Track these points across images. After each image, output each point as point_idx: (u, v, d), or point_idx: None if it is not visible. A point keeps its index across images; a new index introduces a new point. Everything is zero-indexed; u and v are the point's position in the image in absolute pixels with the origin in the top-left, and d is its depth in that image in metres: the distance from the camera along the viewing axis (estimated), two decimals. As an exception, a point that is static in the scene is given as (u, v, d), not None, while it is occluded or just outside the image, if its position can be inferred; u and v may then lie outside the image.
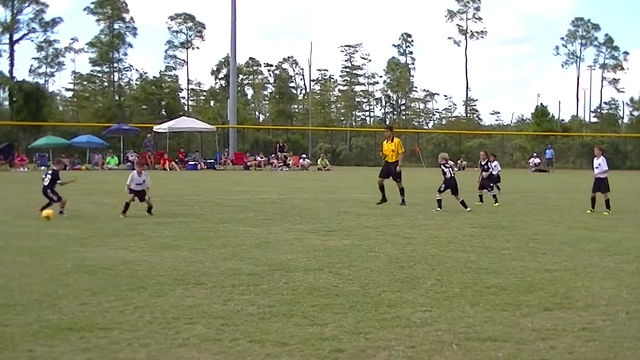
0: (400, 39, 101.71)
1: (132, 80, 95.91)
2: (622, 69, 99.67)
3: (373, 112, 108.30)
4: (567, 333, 6.44)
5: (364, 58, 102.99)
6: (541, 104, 78.02)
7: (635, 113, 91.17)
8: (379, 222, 15.72)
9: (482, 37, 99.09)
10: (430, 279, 8.90)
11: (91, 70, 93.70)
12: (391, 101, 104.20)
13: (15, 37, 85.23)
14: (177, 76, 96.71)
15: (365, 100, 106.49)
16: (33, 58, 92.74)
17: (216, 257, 10.40)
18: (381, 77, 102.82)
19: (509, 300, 7.71)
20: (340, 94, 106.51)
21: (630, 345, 6.07)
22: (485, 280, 8.85)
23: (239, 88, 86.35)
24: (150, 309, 7.14)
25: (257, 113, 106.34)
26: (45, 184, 16.38)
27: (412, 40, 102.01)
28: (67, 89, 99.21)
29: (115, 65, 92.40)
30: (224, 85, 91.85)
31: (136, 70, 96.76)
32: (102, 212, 17.36)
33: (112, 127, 57.19)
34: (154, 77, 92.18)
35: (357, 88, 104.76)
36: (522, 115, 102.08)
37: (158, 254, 10.71)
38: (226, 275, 8.99)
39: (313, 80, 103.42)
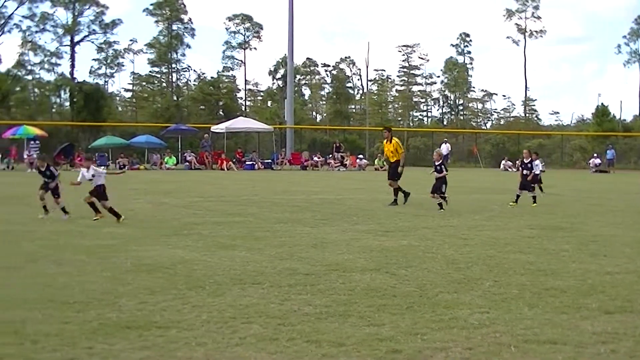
0: (458, 38, 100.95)
1: (190, 80, 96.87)
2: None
3: (430, 112, 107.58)
4: (628, 337, 6.31)
5: (421, 58, 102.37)
6: (602, 103, 76.42)
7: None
8: (436, 222, 15.61)
9: (541, 36, 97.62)
10: (487, 280, 8.80)
11: (150, 71, 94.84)
12: (449, 101, 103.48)
13: (76, 39, 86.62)
14: (234, 77, 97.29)
15: (423, 100, 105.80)
16: (93, 59, 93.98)
17: (273, 257, 10.42)
18: (439, 77, 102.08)
19: (568, 303, 7.58)
20: (397, 94, 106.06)
21: (694, 350, 5.94)
22: (544, 282, 8.72)
23: (296, 88, 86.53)
24: (207, 308, 7.19)
25: (314, 113, 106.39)
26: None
27: (470, 40, 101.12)
28: (126, 90, 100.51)
29: (173, 66, 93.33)
30: (281, 85, 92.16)
31: (194, 70, 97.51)
32: (160, 211, 17.52)
33: (170, 128, 57.75)
34: (211, 77, 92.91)
35: (415, 88, 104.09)
36: (582, 115, 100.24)
37: (215, 253, 10.78)
38: (283, 275, 9.00)
39: (370, 81, 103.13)
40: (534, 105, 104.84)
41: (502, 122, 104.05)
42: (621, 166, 62.67)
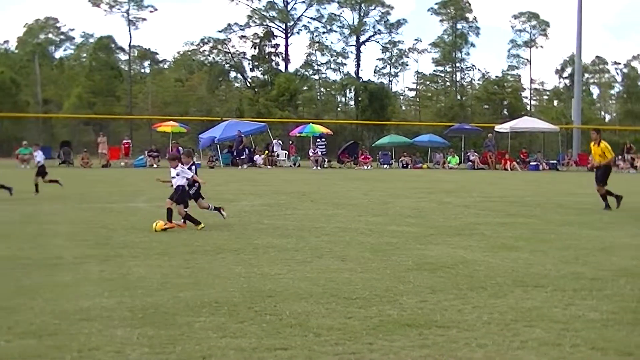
0: None
1: (474, 79, 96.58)
2: None
3: None
4: None
5: None
6: None
7: None
8: None
9: None
10: None
11: (434, 70, 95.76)
12: None
13: (362, 39, 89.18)
14: (519, 75, 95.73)
15: None
16: (378, 59, 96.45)
17: (557, 260, 10.14)
18: None
19: None
20: None
21: None
22: None
23: (583, 87, 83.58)
24: (488, 309, 7.13)
25: (602, 113, 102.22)
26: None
27: None
28: (410, 89, 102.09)
29: (457, 65, 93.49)
30: (568, 84, 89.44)
31: (478, 69, 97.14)
32: (443, 210, 17.61)
33: (453, 127, 57.89)
34: (496, 76, 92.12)
35: None
36: None
37: (498, 254, 10.66)
38: (567, 278, 8.72)
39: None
40: None
41: None
42: None
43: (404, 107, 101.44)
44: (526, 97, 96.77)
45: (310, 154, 49.13)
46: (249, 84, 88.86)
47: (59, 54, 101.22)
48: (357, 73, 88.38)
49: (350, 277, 8.69)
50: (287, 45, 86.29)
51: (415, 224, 14.57)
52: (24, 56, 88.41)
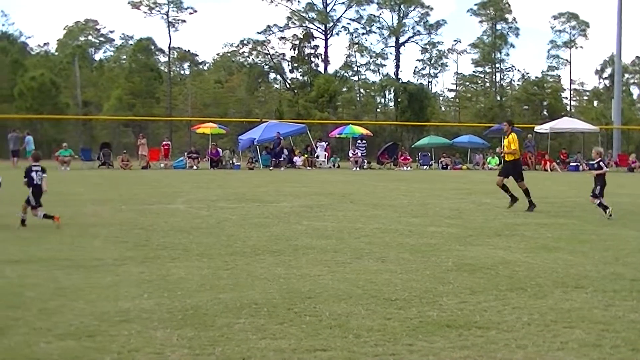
0: None
1: (513, 80, 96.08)
2: None
3: None
4: None
5: None
6: None
7: None
8: None
9: None
10: None
11: (473, 71, 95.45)
12: None
13: (401, 40, 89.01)
14: (559, 76, 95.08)
15: None
16: (417, 60, 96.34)
17: (597, 261, 10.04)
18: None
19: None
20: None
21: None
22: None
23: (624, 88, 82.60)
24: (528, 310, 7.09)
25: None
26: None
27: None
28: (450, 90, 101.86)
29: (497, 65, 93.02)
30: (608, 85, 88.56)
31: (518, 70, 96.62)
32: (482, 211, 17.52)
33: (493, 128, 57.50)
34: (535, 77, 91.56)
35: None
36: None
37: (538, 255, 10.59)
38: (608, 279, 8.64)
39: None
40: None
41: None
42: None
43: (443, 108, 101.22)
44: (566, 98, 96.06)
45: (350, 155, 49.10)
46: (288, 86, 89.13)
47: (98, 56, 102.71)
48: (396, 74, 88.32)
49: (389, 278, 8.68)
50: (326, 47, 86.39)
51: (455, 224, 14.51)
52: (64, 58, 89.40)
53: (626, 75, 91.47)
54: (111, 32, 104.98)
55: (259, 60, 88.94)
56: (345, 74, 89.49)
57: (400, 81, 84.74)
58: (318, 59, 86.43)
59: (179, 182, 29.15)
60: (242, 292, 7.81)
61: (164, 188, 25.14)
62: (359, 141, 50.63)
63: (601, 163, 17.02)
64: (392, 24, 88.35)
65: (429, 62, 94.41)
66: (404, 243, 11.78)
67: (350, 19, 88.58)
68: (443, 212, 16.99)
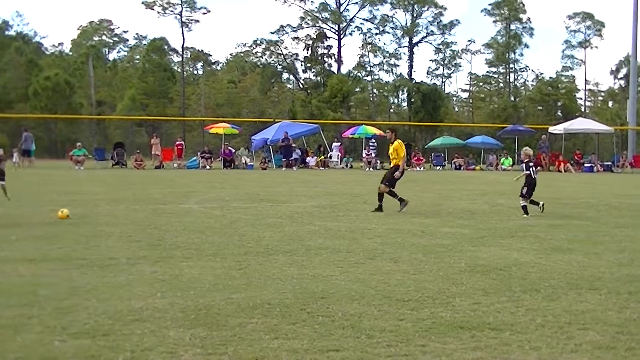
0: None
1: (527, 81, 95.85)
2: None
3: None
4: None
5: None
6: None
7: None
8: None
9: None
10: None
11: (487, 72, 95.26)
12: None
13: (414, 40, 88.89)
14: (574, 76, 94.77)
15: None
16: (430, 60, 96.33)
17: (612, 263, 10.00)
18: None
19: None
20: None
21: None
22: None
23: (638, 88, 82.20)
24: (542, 311, 7.06)
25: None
26: None
27: None
28: (463, 90, 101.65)
29: (511, 66, 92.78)
30: (623, 85, 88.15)
31: (532, 71, 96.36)
32: (496, 212, 17.49)
33: (507, 128, 57.47)
34: (550, 77, 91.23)
35: None
36: None
37: (551, 256, 10.56)
38: (622, 281, 8.60)
39: None
40: None
41: None
42: None
43: (456, 109, 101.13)
44: (580, 98, 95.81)
45: (364, 155, 49.06)
46: (301, 86, 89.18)
47: (112, 55, 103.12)
48: (409, 74, 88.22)
49: (402, 278, 8.67)
50: (339, 47, 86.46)
51: (468, 225, 14.48)
52: (78, 58, 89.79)
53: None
54: (125, 32, 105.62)
55: (272, 60, 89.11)
56: (359, 74, 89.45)
57: (414, 81, 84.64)
58: (331, 59, 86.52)
59: (192, 181, 29.23)
60: (255, 292, 7.81)
61: (177, 188, 25.20)
62: (371, 141, 50.64)
63: (530, 164, 17.15)
64: (406, 24, 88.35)
65: (442, 62, 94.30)
66: (417, 244, 11.76)
67: (364, 19, 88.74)
68: (456, 213, 16.97)
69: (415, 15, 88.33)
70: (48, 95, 70.63)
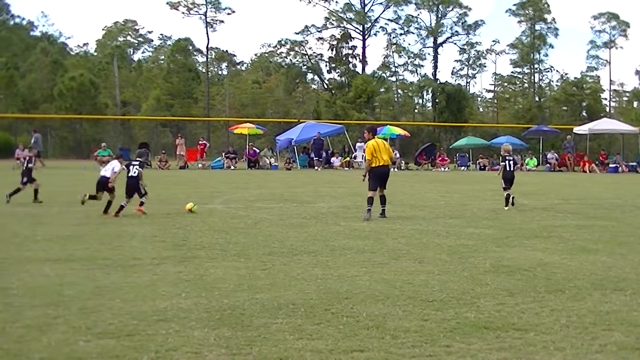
0: None
1: (552, 81, 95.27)
2: None
3: None
4: None
5: None
6: None
7: None
8: None
9: None
10: None
11: (512, 72, 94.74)
12: None
13: (439, 40, 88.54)
14: (599, 77, 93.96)
15: None
16: (455, 60, 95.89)
17: (637, 263, 9.94)
18: None
19: None
20: None
21: None
22: None
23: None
24: (566, 312, 7.04)
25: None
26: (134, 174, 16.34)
27: None
28: (488, 91, 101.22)
29: (535, 66, 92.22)
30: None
31: (557, 71, 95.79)
32: (520, 212, 17.39)
33: (531, 129, 57.16)
34: (575, 78, 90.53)
35: None
36: None
37: (576, 257, 10.51)
38: (648, 283, 8.58)
39: None
40: None
41: None
42: None
43: (481, 109, 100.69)
44: (605, 99, 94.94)
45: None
46: (326, 86, 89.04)
47: (137, 56, 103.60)
48: (434, 75, 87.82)
49: (427, 279, 8.66)
50: (364, 47, 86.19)
51: (493, 226, 14.44)
52: (103, 58, 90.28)
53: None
54: (150, 32, 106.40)
55: (297, 60, 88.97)
56: (383, 75, 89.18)
57: (438, 82, 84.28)
58: (356, 59, 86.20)
59: (216, 182, 29.31)
60: (280, 292, 7.84)
61: (201, 188, 25.29)
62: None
63: (508, 159, 18.45)
64: (430, 24, 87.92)
65: (467, 63, 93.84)
66: (442, 244, 11.75)
67: (388, 20, 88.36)
68: (481, 214, 16.92)
69: (439, 15, 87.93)
70: (73, 96, 70.93)
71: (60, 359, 5.58)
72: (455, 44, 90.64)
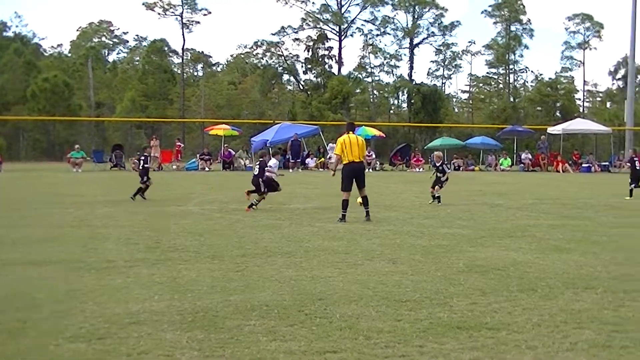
0: None
1: (527, 82, 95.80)
2: None
3: None
4: None
5: None
6: None
7: None
8: None
9: None
10: None
11: (487, 73, 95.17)
12: None
13: (415, 41, 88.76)
14: (573, 77, 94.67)
15: None
16: (431, 61, 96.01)
17: (608, 262, 10.03)
18: None
19: None
20: None
21: None
22: None
23: (637, 89, 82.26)
24: (538, 311, 7.09)
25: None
26: (255, 173, 18.25)
27: None
28: (463, 91, 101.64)
29: (510, 67, 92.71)
30: (621, 86, 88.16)
31: (532, 72, 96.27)
32: (495, 212, 17.49)
33: (506, 129, 57.43)
34: (549, 78, 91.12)
35: None
36: None
37: (549, 256, 10.58)
38: (618, 280, 8.65)
39: None
40: None
41: None
42: None
43: (456, 110, 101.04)
44: (579, 99, 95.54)
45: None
46: (301, 87, 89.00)
47: (112, 57, 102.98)
48: (410, 75, 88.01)
49: (400, 279, 8.69)
50: (340, 48, 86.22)
51: (467, 226, 14.50)
52: (78, 59, 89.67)
53: (639, 77, 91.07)
54: (125, 33, 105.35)
55: (273, 61, 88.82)
56: (359, 76, 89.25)
57: (414, 82, 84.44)
58: (332, 60, 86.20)
59: (191, 184, 29.22)
60: (253, 294, 7.83)
61: (176, 190, 25.19)
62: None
63: (437, 166, 20.44)
64: (407, 25, 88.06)
65: (443, 64, 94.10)
66: (416, 244, 11.78)
67: (365, 20, 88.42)
68: (455, 214, 16.98)
69: (416, 16, 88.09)
70: (46, 97, 70.33)
71: (31, 363, 5.54)
72: (431, 44, 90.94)
